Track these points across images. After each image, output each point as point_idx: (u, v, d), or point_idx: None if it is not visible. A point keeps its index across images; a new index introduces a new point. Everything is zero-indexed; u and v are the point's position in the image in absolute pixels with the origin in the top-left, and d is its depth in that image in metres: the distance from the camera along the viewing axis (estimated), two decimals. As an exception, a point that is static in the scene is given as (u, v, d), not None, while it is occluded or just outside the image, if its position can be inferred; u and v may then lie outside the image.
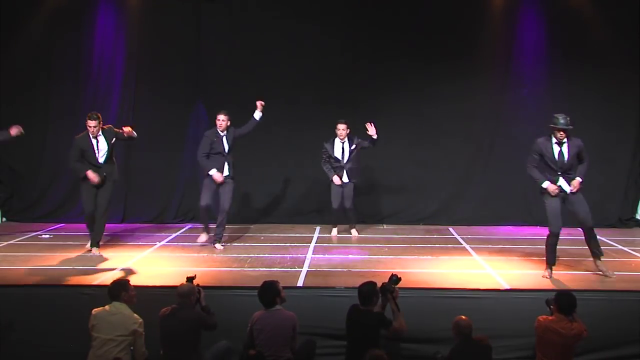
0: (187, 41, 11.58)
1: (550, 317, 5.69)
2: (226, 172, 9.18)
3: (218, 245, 9.21)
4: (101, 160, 8.65)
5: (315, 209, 11.46)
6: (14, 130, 8.55)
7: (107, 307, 5.69)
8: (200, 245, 9.17)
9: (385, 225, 11.35)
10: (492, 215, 11.34)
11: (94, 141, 8.61)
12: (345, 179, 9.89)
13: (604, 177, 11.01)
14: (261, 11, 11.40)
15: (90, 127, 8.54)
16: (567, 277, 7.66)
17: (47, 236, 9.75)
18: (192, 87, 11.58)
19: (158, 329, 5.75)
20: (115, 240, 9.85)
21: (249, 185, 11.66)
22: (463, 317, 5.57)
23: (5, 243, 9.53)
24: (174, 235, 9.71)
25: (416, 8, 11.35)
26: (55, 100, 11.44)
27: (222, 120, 9.14)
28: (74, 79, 11.49)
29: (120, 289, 5.78)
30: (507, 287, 7.20)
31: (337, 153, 9.82)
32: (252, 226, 11.07)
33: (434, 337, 6.37)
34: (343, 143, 9.82)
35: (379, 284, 5.92)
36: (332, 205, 10.03)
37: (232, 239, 9.93)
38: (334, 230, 10.24)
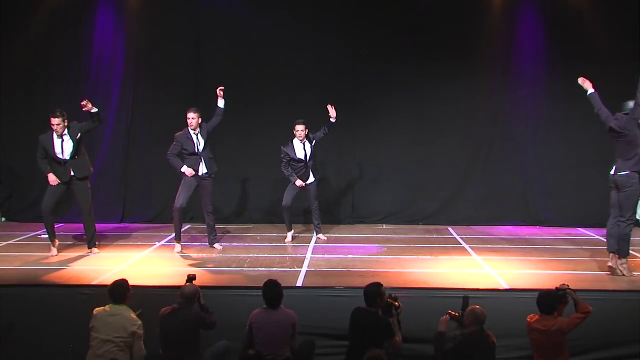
0: (187, 40, 11.59)
1: (535, 317, 5.70)
2: (203, 170, 8.96)
3: (217, 246, 9.21)
4: (66, 156, 8.50)
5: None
6: None
7: (107, 307, 5.67)
8: (178, 253, 9.00)
9: (384, 225, 11.35)
10: (491, 215, 11.35)
11: (57, 140, 8.46)
12: (310, 178, 9.76)
13: (604, 177, 10.99)
14: (260, 10, 11.40)
15: (52, 125, 8.38)
16: (567, 277, 7.63)
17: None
18: (191, 86, 11.58)
19: (157, 329, 5.74)
20: (115, 240, 9.85)
21: (248, 185, 11.67)
22: (477, 306, 5.57)
23: (5, 243, 9.54)
24: (173, 235, 9.67)
25: (415, 8, 11.35)
26: (54, 100, 11.41)
27: (192, 118, 8.85)
28: (73, 78, 11.48)
29: (121, 289, 5.76)
30: (506, 286, 7.20)
31: (300, 154, 9.68)
32: (251, 226, 11.07)
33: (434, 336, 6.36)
34: (303, 143, 9.70)
35: (382, 285, 5.91)
36: (283, 202, 9.76)
37: (231, 239, 9.94)
38: (289, 235, 9.85)
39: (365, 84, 11.44)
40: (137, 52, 11.55)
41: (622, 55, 11.04)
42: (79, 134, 8.53)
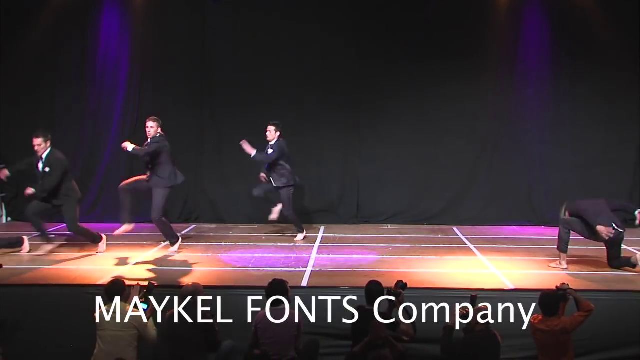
0: (192, 42, 11.61)
1: (539, 317, 5.69)
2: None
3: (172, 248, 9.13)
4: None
5: (319, 209, 11.49)
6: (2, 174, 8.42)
7: (109, 305, 5.67)
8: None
9: (389, 225, 11.35)
10: (497, 215, 11.33)
11: (39, 158, 8.37)
12: (274, 182, 9.73)
13: (608, 178, 11.01)
14: (266, 11, 11.42)
15: (34, 145, 8.24)
16: (573, 277, 7.63)
17: (52, 236, 9.76)
18: (197, 87, 11.61)
19: (163, 329, 5.75)
20: (120, 239, 9.85)
21: (254, 184, 11.66)
22: (484, 305, 5.58)
23: (11, 243, 9.56)
24: (178, 234, 9.70)
25: (421, 8, 11.36)
26: (60, 101, 11.48)
27: (150, 127, 8.78)
28: (79, 79, 11.52)
29: (119, 288, 5.79)
30: (512, 287, 7.19)
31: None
32: (256, 226, 11.08)
33: (439, 337, 6.35)
34: (270, 145, 9.66)
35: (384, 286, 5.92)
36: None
37: (236, 239, 9.95)
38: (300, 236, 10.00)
39: (370, 84, 11.44)
40: (143, 53, 11.58)
41: (627, 55, 11.04)
42: (48, 169, 8.30)
